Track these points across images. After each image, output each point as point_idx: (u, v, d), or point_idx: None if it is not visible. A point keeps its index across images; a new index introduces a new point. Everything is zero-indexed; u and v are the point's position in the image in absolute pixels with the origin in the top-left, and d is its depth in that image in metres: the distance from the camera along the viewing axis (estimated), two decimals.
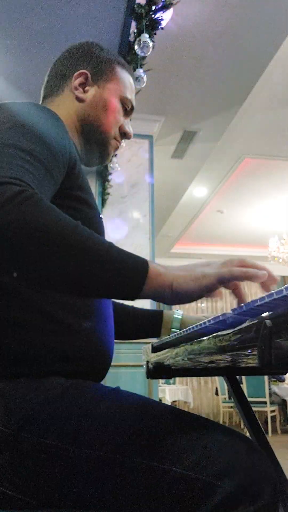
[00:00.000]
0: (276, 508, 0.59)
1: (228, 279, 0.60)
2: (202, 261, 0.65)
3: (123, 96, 1.00)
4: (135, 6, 2.38)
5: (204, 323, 0.67)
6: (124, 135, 1.03)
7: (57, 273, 0.58)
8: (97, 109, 0.97)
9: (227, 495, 0.57)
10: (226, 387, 4.81)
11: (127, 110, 1.02)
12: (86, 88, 0.97)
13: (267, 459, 0.63)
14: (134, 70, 2.57)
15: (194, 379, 8.66)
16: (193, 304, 9.33)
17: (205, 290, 0.61)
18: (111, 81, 0.99)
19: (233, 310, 0.59)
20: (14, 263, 0.58)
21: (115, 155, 3.56)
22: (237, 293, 0.66)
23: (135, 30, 2.46)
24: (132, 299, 0.62)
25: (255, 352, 0.48)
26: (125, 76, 1.01)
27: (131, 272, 0.60)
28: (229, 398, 6.89)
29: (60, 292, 0.73)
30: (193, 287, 0.61)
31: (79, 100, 0.96)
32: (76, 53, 1.00)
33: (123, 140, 1.05)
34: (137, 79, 2.55)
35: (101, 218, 0.89)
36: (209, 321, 0.67)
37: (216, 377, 7.43)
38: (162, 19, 2.40)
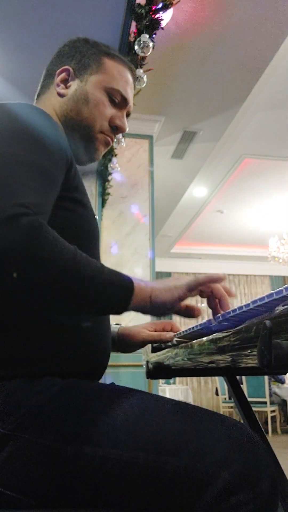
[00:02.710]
0: (275, 494, 0.60)
1: (195, 285, 0.72)
2: (177, 278, 0.76)
3: (109, 87, 0.95)
4: (135, 6, 2.38)
5: (204, 323, 0.67)
6: (115, 128, 0.98)
7: (58, 298, 0.66)
8: (78, 103, 0.94)
9: (226, 484, 0.58)
10: (226, 387, 4.82)
11: (116, 102, 0.97)
12: (69, 84, 0.95)
13: (264, 447, 0.64)
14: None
15: (194, 379, 8.66)
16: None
17: (177, 299, 0.72)
18: (95, 74, 0.95)
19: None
20: (18, 290, 0.66)
21: (115, 155, 3.56)
22: (211, 304, 0.77)
23: (135, 30, 2.46)
24: (121, 313, 0.70)
25: (255, 352, 0.48)
26: (114, 67, 0.97)
27: (120, 294, 0.69)
28: (229, 398, 6.89)
29: (57, 310, 0.79)
30: (167, 298, 0.71)
31: (61, 95, 0.95)
32: (63, 50, 1.00)
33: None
34: (137, 79, 2.54)
35: (95, 218, 0.89)
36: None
37: (216, 377, 7.43)
38: (162, 19, 2.40)
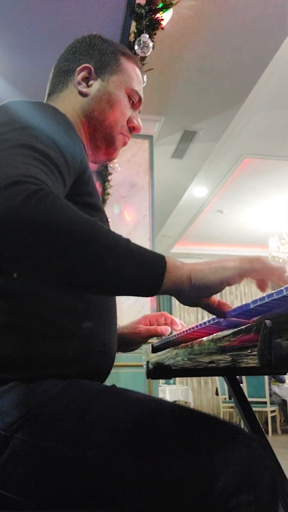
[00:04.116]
0: (276, 495, 0.60)
1: (249, 272, 0.60)
2: (219, 259, 0.64)
3: (129, 88, 0.97)
4: (135, 6, 2.38)
5: (204, 323, 0.67)
6: (132, 128, 1.00)
7: (79, 270, 0.57)
8: (102, 103, 0.94)
9: (227, 487, 0.58)
10: (226, 387, 4.81)
11: (134, 102, 0.99)
12: (90, 82, 0.95)
13: (263, 449, 0.64)
14: None
15: (194, 379, 8.65)
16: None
17: (225, 282, 0.60)
18: (115, 74, 0.96)
19: (232, 310, 0.59)
20: (31, 262, 0.56)
21: None
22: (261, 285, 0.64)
23: (135, 30, 2.46)
24: (152, 294, 0.61)
25: (255, 352, 0.48)
26: (130, 67, 0.98)
27: (150, 266, 0.59)
28: (229, 398, 6.88)
29: (78, 290, 0.72)
30: (213, 280, 0.60)
31: (83, 94, 0.94)
32: (79, 47, 0.98)
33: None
34: None
35: (108, 221, 0.89)
36: (209, 321, 0.68)
37: (216, 377, 7.42)
38: (162, 19, 2.40)
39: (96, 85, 0.95)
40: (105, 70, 0.95)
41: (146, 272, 0.59)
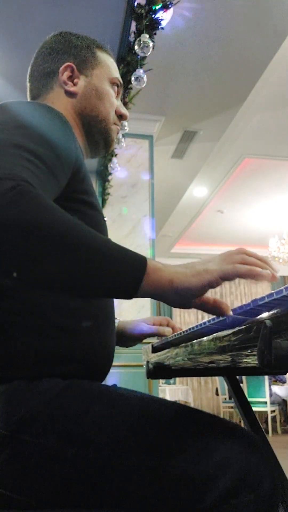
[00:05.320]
0: (276, 496, 0.60)
1: (232, 276, 0.58)
2: (201, 259, 0.62)
3: (111, 77, 0.99)
4: (135, 6, 2.38)
5: (204, 323, 0.67)
6: (120, 117, 1.02)
7: (53, 271, 0.55)
8: (92, 99, 0.95)
9: (227, 486, 0.58)
10: (226, 387, 4.82)
11: (117, 91, 1.01)
12: (75, 80, 0.95)
13: (264, 448, 0.64)
14: (134, 70, 2.57)
15: (194, 379, 8.65)
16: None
17: (207, 286, 0.58)
18: (96, 67, 0.97)
19: (233, 310, 0.59)
20: (9, 261, 0.54)
21: (115, 155, 3.56)
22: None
23: (135, 30, 2.46)
24: (130, 296, 0.59)
25: (255, 352, 0.48)
26: (106, 57, 1.00)
27: (129, 268, 0.57)
28: (229, 398, 6.89)
29: (56, 292, 0.71)
30: (195, 283, 0.58)
31: (71, 94, 0.94)
32: (55, 47, 0.98)
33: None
34: (137, 79, 2.54)
35: (105, 220, 0.89)
36: (209, 321, 0.67)
37: (216, 377, 7.42)
38: (162, 19, 2.39)
39: (81, 82, 0.95)
40: (86, 65, 0.96)
41: (124, 274, 0.57)
